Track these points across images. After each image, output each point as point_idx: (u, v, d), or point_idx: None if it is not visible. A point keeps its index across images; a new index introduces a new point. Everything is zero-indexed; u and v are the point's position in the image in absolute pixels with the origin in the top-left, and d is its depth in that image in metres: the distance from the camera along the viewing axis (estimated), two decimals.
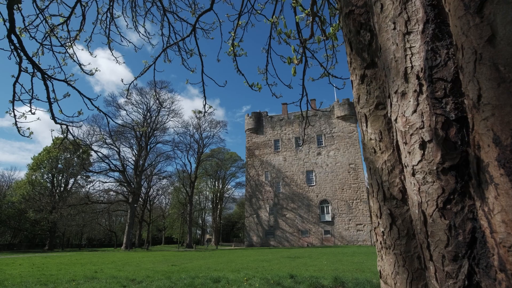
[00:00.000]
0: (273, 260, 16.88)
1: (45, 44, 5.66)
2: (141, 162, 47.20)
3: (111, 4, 6.82)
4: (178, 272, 11.71)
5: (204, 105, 6.34)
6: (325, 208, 46.67)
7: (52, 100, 5.59)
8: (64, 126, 5.75)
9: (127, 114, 47.29)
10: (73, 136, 6.17)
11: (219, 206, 70.70)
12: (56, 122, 5.58)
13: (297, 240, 46.09)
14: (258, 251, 30.80)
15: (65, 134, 5.87)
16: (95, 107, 5.81)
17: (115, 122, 6.27)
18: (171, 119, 51.55)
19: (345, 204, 45.43)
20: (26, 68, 5.52)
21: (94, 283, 9.04)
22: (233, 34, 3.91)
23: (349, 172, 46.99)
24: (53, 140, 53.94)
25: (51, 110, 5.51)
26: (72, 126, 5.93)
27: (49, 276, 11.07)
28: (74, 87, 5.60)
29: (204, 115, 6.78)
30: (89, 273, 11.88)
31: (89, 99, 5.63)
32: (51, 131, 6.16)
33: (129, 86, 6.31)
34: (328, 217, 45.73)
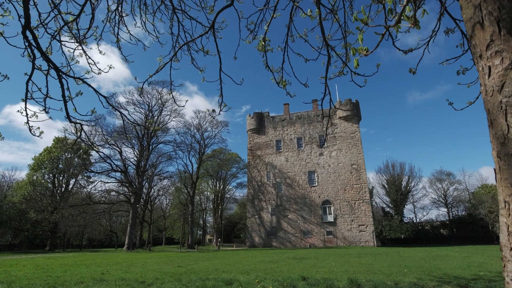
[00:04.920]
0: (280, 261, 16.72)
1: (62, 41, 5.51)
2: (143, 162, 47.01)
3: (120, 2, 6.69)
4: (186, 273, 11.55)
5: (220, 103, 6.22)
6: (327, 208, 46.53)
7: (66, 98, 5.45)
8: (78, 125, 5.61)
9: (128, 114, 47.11)
10: (87, 135, 6.03)
11: (220, 207, 70.50)
12: (70, 121, 5.44)
13: (299, 241, 45.93)
14: (261, 252, 30.63)
15: (79, 133, 5.73)
16: (111, 105, 5.68)
17: (129, 121, 6.13)
18: (173, 119, 51.37)
19: (348, 205, 45.28)
20: (40, 66, 5.37)
21: (103, 285, 8.88)
22: (266, 28, 3.77)
23: (351, 172, 46.86)
24: (53, 140, 53.79)
25: (65, 109, 5.37)
26: (87, 125, 5.80)
27: (56, 278, 10.91)
28: (90, 85, 5.47)
29: (219, 113, 6.67)
30: (95, 274, 11.72)
31: (104, 97, 5.49)
32: (64, 130, 6.05)
33: (143, 84, 6.16)
34: (330, 218, 45.58)
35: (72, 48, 6.15)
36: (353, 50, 1.73)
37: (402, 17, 1.63)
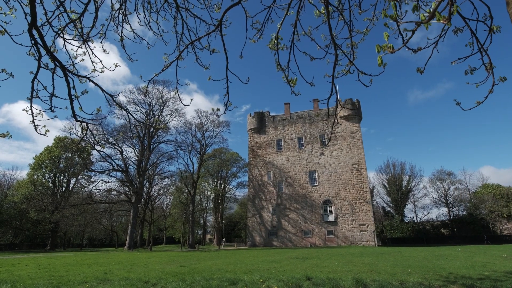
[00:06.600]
0: (282, 261, 16.69)
1: (67, 39, 5.46)
2: (143, 162, 46.96)
3: (124, 0, 6.65)
4: (189, 273, 11.52)
5: (226, 103, 6.19)
6: (328, 208, 46.51)
7: (72, 97, 5.41)
8: (84, 124, 5.58)
9: (129, 113, 46.97)
10: (92, 134, 6.00)
11: (220, 206, 70.46)
12: (77, 120, 5.41)
13: (300, 240, 45.91)
14: (263, 251, 30.60)
15: (85, 132, 5.69)
16: (116, 103, 5.64)
17: (136, 119, 6.09)
18: (174, 118, 51.30)
19: (348, 204, 45.26)
20: (47, 64, 5.33)
21: (107, 285, 8.84)
22: (279, 26, 3.73)
23: (352, 172, 46.82)
24: (54, 139, 53.70)
25: (72, 107, 5.33)
26: (92, 123, 5.76)
27: (59, 277, 10.87)
28: (96, 84, 5.42)
29: (224, 112, 6.66)
30: (98, 274, 11.68)
31: (110, 95, 5.45)
32: (70, 129, 6.02)
33: (147, 84, 6.13)
34: (331, 218, 45.55)
35: (75, 46, 6.11)
36: (377, 48, 1.69)
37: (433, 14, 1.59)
